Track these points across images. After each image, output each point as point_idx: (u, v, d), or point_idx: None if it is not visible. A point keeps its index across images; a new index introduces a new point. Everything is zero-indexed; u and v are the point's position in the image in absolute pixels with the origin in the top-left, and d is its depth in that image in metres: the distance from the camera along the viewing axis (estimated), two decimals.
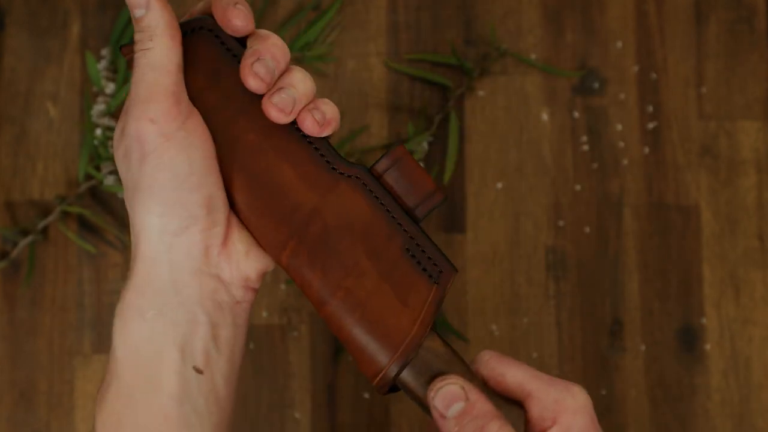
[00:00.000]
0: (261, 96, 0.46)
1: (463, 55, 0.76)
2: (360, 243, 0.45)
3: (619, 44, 0.76)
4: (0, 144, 0.75)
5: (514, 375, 0.46)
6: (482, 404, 0.44)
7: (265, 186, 0.45)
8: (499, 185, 0.75)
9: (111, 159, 0.73)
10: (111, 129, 0.74)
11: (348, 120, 0.76)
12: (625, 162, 0.75)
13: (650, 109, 0.76)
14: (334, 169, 0.45)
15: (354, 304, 0.44)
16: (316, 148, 0.46)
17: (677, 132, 0.75)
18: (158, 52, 0.45)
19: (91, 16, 0.76)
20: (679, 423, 0.73)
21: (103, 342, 0.74)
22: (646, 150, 0.75)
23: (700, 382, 0.74)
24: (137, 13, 0.45)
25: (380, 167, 0.46)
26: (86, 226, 0.75)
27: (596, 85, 0.76)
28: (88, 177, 0.74)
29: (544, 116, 0.75)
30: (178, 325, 0.44)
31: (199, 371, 0.45)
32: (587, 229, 0.75)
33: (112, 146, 0.74)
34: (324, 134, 0.46)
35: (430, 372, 0.46)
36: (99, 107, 0.74)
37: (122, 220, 0.75)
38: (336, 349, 0.74)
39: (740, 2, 0.76)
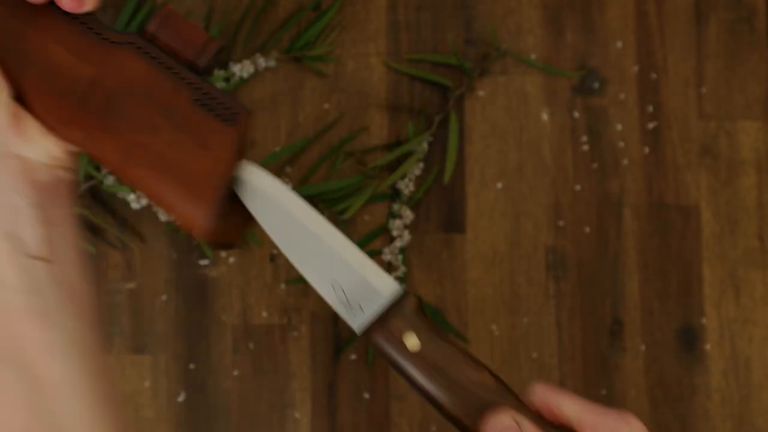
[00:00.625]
0: None
1: (463, 55, 0.76)
2: (147, 102, 0.46)
3: (619, 44, 0.76)
4: None
5: (569, 407, 0.47)
6: None
7: (39, 68, 0.46)
8: (499, 185, 0.75)
9: None
10: None
11: (348, 120, 0.76)
12: (625, 162, 0.75)
13: (650, 109, 0.75)
14: (105, 39, 0.47)
15: (154, 158, 0.45)
16: (82, 22, 0.47)
17: (677, 132, 0.75)
18: None
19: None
20: (679, 423, 0.73)
21: (102, 342, 0.74)
22: (646, 150, 0.75)
23: (700, 382, 0.74)
24: None
25: (150, 29, 0.47)
26: (86, 226, 0.75)
27: (596, 85, 0.76)
28: (88, 177, 0.74)
29: (544, 116, 0.75)
30: None
31: (39, 258, 0.43)
32: (587, 229, 0.75)
33: None
34: (84, 10, 0.46)
35: (480, 404, 0.47)
36: None
37: (122, 220, 0.75)
38: (336, 349, 0.74)
39: (740, 2, 0.76)
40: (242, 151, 0.48)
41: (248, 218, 0.50)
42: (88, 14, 0.47)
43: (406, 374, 0.49)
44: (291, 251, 0.51)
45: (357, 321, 0.50)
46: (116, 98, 0.46)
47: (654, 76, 0.76)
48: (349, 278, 0.50)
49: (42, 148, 0.46)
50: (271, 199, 0.51)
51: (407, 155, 0.75)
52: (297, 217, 0.51)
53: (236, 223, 0.50)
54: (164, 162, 0.45)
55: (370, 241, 0.74)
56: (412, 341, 0.49)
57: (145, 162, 0.45)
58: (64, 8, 0.46)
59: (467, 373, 0.48)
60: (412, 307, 0.50)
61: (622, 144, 0.75)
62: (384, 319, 0.49)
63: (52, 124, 0.46)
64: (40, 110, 0.46)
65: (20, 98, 0.46)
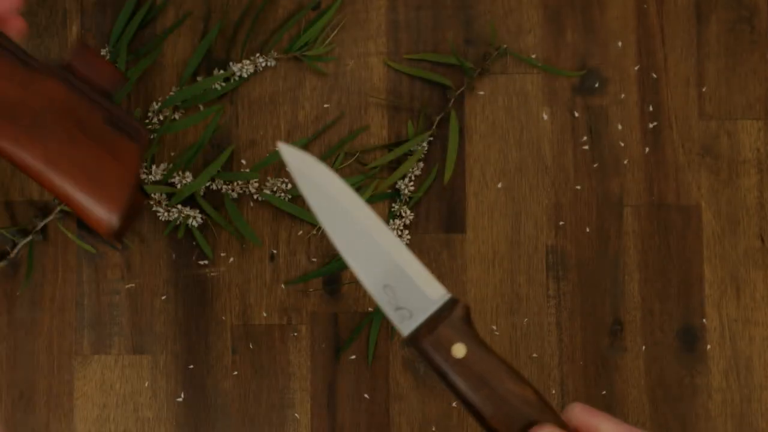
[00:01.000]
0: None
1: (463, 54, 0.76)
2: (67, 119, 0.54)
3: (620, 44, 0.76)
4: None
5: (609, 428, 0.47)
6: None
7: None
8: (499, 185, 0.75)
9: None
10: None
11: (348, 120, 0.75)
12: (626, 162, 0.75)
13: (650, 108, 0.75)
14: (30, 66, 0.54)
15: (73, 165, 0.53)
16: (7, 49, 0.54)
17: (678, 132, 0.75)
18: None
19: (90, 15, 0.76)
20: (679, 423, 0.73)
21: (102, 342, 0.74)
22: (647, 150, 0.75)
23: (701, 382, 0.73)
24: None
25: (68, 61, 0.55)
26: (85, 227, 0.75)
27: (596, 84, 0.76)
28: None
29: (545, 116, 0.75)
30: None
31: None
32: (587, 229, 0.75)
33: None
34: (9, 33, 0.54)
35: (522, 418, 0.47)
36: None
37: None
38: (336, 349, 0.74)
39: (741, 2, 0.76)
40: (141, 163, 0.57)
41: (137, 213, 0.59)
42: (10, 41, 0.54)
43: (450, 382, 0.49)
44: (344, 248, 0.51)
45: (406, 326, 0.50)
46: (41, 115, 0.53)
47: (654, 75, 0.76)
48: (401, 282, 0.51)
49: None
50: (329, 196, 0.52)
51: (407, 155, 0.75)
52: (354, 216, 0.52)
53: (130, 218, 0.58)
54: (82, 169, 0.53)
55: None
56: (459, 349, 0.49)
57: (65, 168, 0.53)
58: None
59: (510, 386, 0.49)
60: (461, 315, 0.50)
61: (622, 144, 0.75)
62: (433, 326, 0.50)
63: None
64: None
65: None
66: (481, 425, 0.49)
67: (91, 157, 0.54)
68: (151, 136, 0.74)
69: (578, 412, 0.48)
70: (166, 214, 0.74)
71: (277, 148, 0.55)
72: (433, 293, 0.51)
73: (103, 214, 0.55)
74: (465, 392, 0.49)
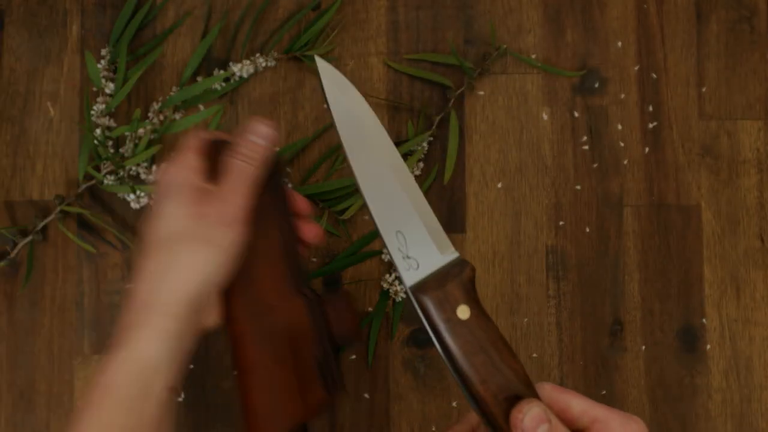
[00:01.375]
0: (274, 217, 0.57)
1: (463, 54, 0.76)
2: (289, 341, 0.56)
3: (620, 44, 0.76)
4: None
5: (578, 403, 0.49)
6: (562, 428, 0.47)
7: (243, 274, 0.57)
8: (499, 185, 0.75)
9: (110, 159, 0.73)
10: (110, 129, 0.74)
11: None
12: (626, 162, 0.75)
13: (650, 108, 0.75)
14: (295, 284, 0.57)
15: (268, 384, 0.56)
16: (291, 264, 0.57)
17: (678, 132, 0.75)
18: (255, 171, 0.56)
19: (90, 15, 0.76)
20: (679, 423, 0.73)
21: (103, 342, 0.74)
22: (647, 150, 0.75)
23: (701, 382, 0.73)
24: (255, 139, 0.55)
25: (326, 296, 0.58)
26: (85, 226, 0.75)
27: (596, 84, 0.76)
28: (88, 177, 0.74)
29: (545, 116, 0.75)
30: (176, 351, 0.54)
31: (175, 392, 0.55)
32: (587, 229, 0.75)
33: (111, 146, 0.74)
34: (314, 244, 0.59)
35: (508, 392, 0.48)
36: (99, 107, 0.74)
37: (122, 220, 0.75)
38: (336, 349, 0.74)
39: (740, 2, 0.76)
40: (324, 411, 0.60)
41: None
42: (298, 256, 0.58)
43: (446, 342, 0.49)
44: (364, 185, 0.52)
45: (410, 276, 0.50)
46: (275, 326, 0.56)
47: (654, 75, 0.76)
48: (414, 231, 0.51)
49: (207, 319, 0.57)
50: (359, 127, 0.53)
51: (407, 155, 0.75)
52: (381, 155, 0.52)
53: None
54: (270, 387, 0.56)
55: (370, 242, 0.74)
56: (463, 311, 0.49)
57: (259, 375, 0.56)
58: (305, 237, 0.58)
59: (505, 357, 0.48)
60: (470, 277, 0.50)
61: (622, 144, 0.75)
62: (440, 283, 0.49)
63: (226, 313, 0.58)
64: (233, 304, 0.57)
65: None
66: (465, 391, 0.48)
67: (285, 383, 0.56)
68: (151, 137, 0.74)
69: (549, 390, 0.49)
70: None
71: (315, 60, 0.54)
72: (444, 249, 0.51)
73: (266, 430, 0.57)
74: (460, 355, 0.48)
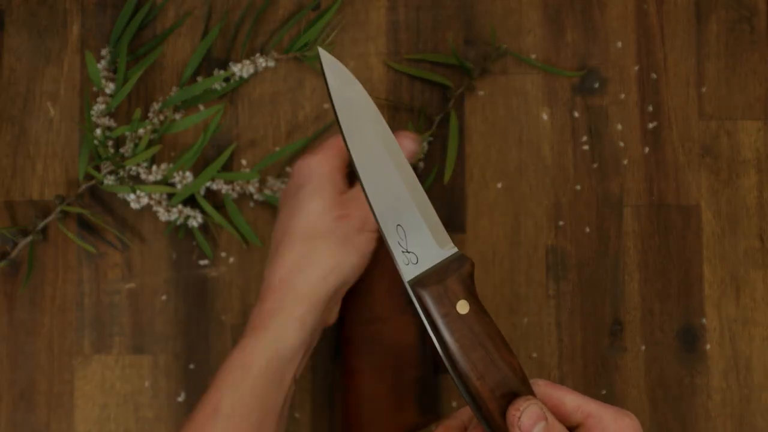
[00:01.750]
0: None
1: (463, 55, 0.76)
2: (393, 357, 0.57)
3: (619, 44, 0.76)
4: None
5: (572, 399, 0.49)
6: (558, 425, 0.48)
7: (363, 281, 0.58)
8: (499, 185, 0.75)
9: (110, 159, 0.73)
10: (110, 129, 0.74)
11: None
12: (626, 162, 0.75)
13: (650, 108, 0.75)
14: (409, 302, 0.56)
15: (366, 391, 0.56)
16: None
17: (677, 132, 0.75)
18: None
19: (90, 15, 0.76)
20: (679, 423, 0.73)
21: (103, 342, 0.74)
22: (647, 150, 0.75)
23: (701, 382, 0.73)
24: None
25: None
26: (86, 226, 0.75)
27: (596, 84, 0.76)
28: (88, 177, 0.74)
29: (544, 116, 0.75)
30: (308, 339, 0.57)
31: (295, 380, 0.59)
32: (587, 229, 0.75)
33: (111, 146, 0.74)
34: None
35: (504, 389, 0.48)
36: (99, 107, 0.74)
37: (122, 220, 0.75)
38: (336, 349, 0.74)
39: (740, 2, 0.76)
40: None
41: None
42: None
43: (444, 337, 0.49)
44: (365, 178, 0.51)
45: (409, 270, 0.50)
46: (382, 336, 0.57)
47: (654, 75, 0.76)
48: (414, 226, 0.51)
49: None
50: (360, 120, 0.53)
51: None
52: (382, 150, 0.52)
53: None
54: (368, 398, 0.56)
55: None
56: (463, 306, 0.49)
57: (359, 381, 0.56)
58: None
59: (503, 353, 0.49)
60: (470, 272, 0.50)
61: (622, 144, 0.75)
62: (440, 277, 0.49)
63: (341, 316, 0.60)
64: (348, 307, 0.59)
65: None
66: (462, 388, 0.48)
67: (380, 396, 0.56)
68: (151, 137, 0.74)
69: (543, 387, 0.50)
70: (166, 214, 0.74)
71: (318, 52, 0.54)
72: (443, 244, 0.51)
73: None
74: (458, 350, 0.48)
